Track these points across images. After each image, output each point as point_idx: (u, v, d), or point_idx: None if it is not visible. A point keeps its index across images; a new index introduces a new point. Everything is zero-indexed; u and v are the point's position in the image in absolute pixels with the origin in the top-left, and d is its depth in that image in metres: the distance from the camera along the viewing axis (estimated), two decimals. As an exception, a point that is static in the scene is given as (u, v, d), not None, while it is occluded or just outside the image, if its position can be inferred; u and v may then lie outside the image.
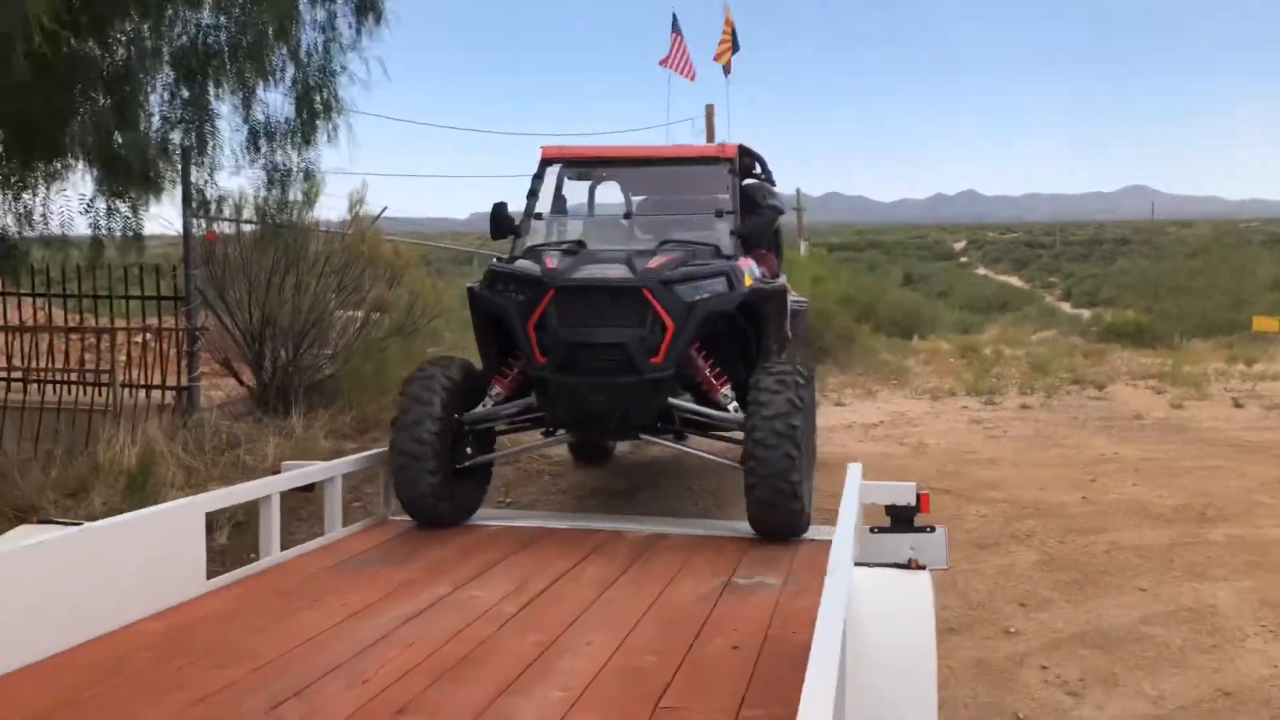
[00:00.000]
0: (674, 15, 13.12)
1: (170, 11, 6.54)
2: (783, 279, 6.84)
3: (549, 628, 3.62)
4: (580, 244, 5.61)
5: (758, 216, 5.95)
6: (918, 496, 4.68)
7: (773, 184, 6.87)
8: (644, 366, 5.00)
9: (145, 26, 6.60)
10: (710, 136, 22.16)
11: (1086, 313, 38.69)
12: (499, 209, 5.94)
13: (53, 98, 5.90)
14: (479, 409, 5.49)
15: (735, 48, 13.73)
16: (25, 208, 6.56)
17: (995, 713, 4.60)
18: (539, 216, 6.06)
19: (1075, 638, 5.40)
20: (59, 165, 6.68)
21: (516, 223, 5.96)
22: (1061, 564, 6.52)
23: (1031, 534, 7.15)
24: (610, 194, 7.15)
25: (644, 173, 6.58)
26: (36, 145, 6.40)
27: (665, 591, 4.13)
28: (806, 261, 23.82)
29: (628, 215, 6.39)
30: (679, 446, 5.96)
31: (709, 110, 22.13)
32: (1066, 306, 45.72)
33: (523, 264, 5.44)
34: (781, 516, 4.91)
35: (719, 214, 5.82)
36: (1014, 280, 63.07)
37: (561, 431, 5.77)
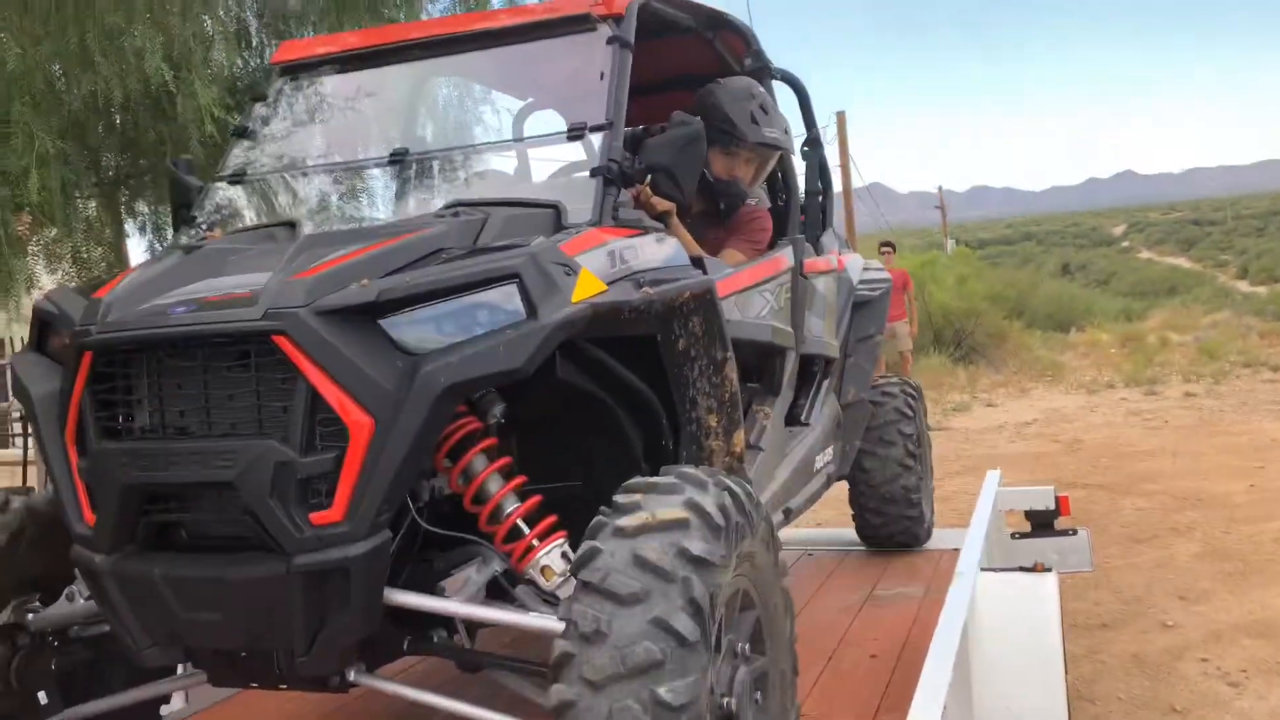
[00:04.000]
0: None
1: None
2: (842, 256, 4.21)
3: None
4: (290, 225, 2.82)
5: (680, 131, 2.69)
6: (1056, 500, 4.62)
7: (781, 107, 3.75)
8: (290, 537, 2.10)
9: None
10: (843, 149, 19.62)
11: (1264, 290, 36.40)
12: (175, 169, 3.19)
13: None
14: (61, 604, 2.71)
15: None
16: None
17: (1150, 706, 4.55)
18: (238, 179, 3.15)
19: (1238, 629, 5.26)
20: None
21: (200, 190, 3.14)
22: (1224, 555, 6.32)
23: (1192, 526, 6.95)
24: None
25: (458, 65, 3.43)
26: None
27: (808, 606, 4.26)
28: (950, 260, 23.41)
29: (398, 157, 3.02)
30: (434, 700, 2.35)
31: (840, 118, 19.85)
32: (1243, 285, 43.07)
33: (68, 295, 2.63)
34: None
35: (575, 133, 2.88)
36: (1182, 262, 59.84)
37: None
